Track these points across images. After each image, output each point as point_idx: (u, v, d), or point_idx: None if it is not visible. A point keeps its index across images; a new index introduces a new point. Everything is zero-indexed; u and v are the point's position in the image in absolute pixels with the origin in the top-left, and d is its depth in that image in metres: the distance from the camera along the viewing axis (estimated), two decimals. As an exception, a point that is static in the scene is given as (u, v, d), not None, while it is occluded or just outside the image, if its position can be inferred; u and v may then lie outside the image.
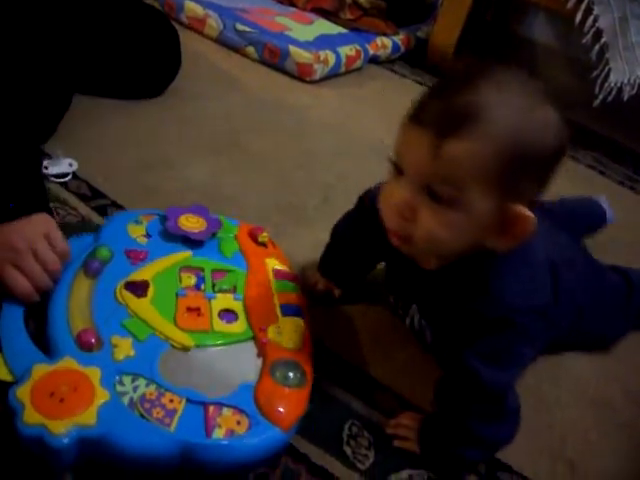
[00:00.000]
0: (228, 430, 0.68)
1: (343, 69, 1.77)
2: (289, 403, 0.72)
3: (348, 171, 1.32)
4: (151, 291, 0.81)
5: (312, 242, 1.04)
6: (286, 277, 0.91)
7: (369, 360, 0.90)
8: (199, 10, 1.79)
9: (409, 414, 0.81)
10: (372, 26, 2.00)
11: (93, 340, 0.72)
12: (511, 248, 0.68)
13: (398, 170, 0.67)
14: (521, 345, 0.72)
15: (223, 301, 0.83)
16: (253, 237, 0.96)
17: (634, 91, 1.70)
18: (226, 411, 0.69)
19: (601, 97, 1.70)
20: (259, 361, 0.77)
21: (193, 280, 0.86)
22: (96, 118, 1.25)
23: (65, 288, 0.79)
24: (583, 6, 1.67)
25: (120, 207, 1.04)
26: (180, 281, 0.85)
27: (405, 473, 0.77)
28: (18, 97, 0.98)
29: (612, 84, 1.69)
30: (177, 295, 0.82)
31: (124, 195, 1.07)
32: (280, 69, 1.71)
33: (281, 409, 0.71)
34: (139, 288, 0.81)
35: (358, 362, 0.89)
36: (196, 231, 0.92)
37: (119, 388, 0.69)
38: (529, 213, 0.64)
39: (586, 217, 1.20)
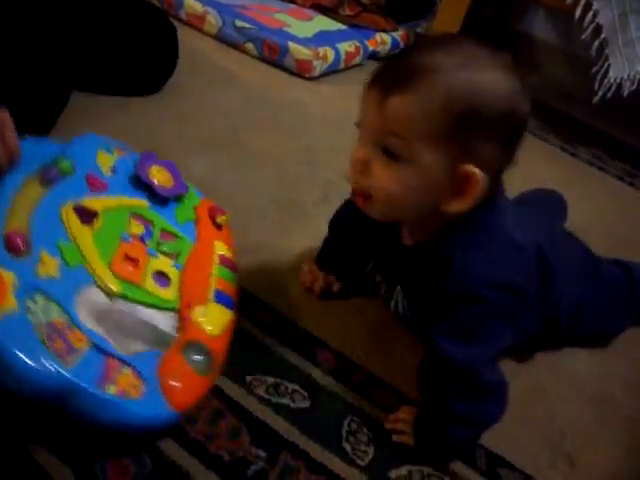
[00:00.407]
0: (121, 390, 0.64)
1: (342, 65, 1.77)
2: (190, 385, 0.70)
3: (347, 167, 1.30)
4: (97, 223, 0.78)
5: (312, 238, 1.04)
6: (229, 266, 0.88)
7: (368, 356, 0.90)
8: (198, 7, 1.79)
9: (407, 408, 0.81)
10: (371, 22, 2.00)
11: (21, 245, 0.68)
12: (463, 210, 0.69)
13: (360, 131, 0.71)
14: (490, 320, 0.72)
15: (162, 263, 0.81)
16: (212, 215, 0.93)
17: (634, 87, 1.70)
18: (126, 370, 0.66)
19: (600, 93, 1.70)
20: (175, 334, 0.74)
21: (141, 230, 0.82)
22: (94, 115, 1.25)
23: (12, 187, 0.75)
24: (582, 2, 1.66)
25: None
26: (128, 226, 0.82)
27: (404, 469, 0.77)
28: (15, 93, 0.98)
29: (612, 80, 1.69)
30: (121, 238, 0.79)
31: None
32: (279, 66, 1.71)
33: (180, 388, 0.68)
34: (87, 215, 0.78)
35: (357, 358, 0.89)
36: (162, 186, 0.88)
37: (30, 304, 0.64)
38: (479, 172, 0.65)
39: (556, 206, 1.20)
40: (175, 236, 0.86)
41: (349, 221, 0.92)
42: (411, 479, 0.76)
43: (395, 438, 0.79)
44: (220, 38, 1.78)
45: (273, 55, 1.70)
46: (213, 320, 0.78)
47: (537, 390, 0.93)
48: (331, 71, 1.74)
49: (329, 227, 0.97)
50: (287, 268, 1.01)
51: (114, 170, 0.87)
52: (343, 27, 1.92)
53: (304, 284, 0.97)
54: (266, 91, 1.59)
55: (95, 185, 0.82)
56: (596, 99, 1.70)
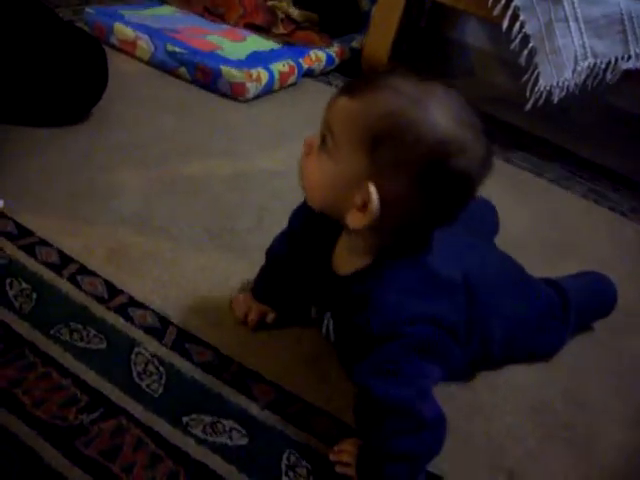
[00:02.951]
0: None
1: (277, 85, 1.77)
2: None
3: (282, 191, 1.31)
4: None
5: (246, 267, 1.04)
6: None
7: (305, 386, 0.89)
8: (129, 32, 1.77)
9: (351, 440, 0.81)
10: (305, 40, 2.00)
11: None
12: (356, 228, 0.70)
13: None
14: (414, 355, 0.71)
15: None
16: None
17: (563, 93, 1.74)
18: None
19: (532, 101, 1.74)
20: None
21: None
22: (20, 149, 1.23)
23: None
24: (509, 12, 1.70)
25: (48, 245, 1.02)
26: None
27: (345, 500, 0.77)
28: None
29: (542, 88, 1.72)
30: None
31: (53, 231, 1.04)
32: (213, 89, 1.70)
33: None
34: None
35: (294, 389, 0.88)
36: None
37: None
38: (374, 196, 0.66)
39: (488, 217, 1.20)
40: None
41: (284, 252, 0.92)
42: (352, 510, 0.76)
43: (338, 469, 0.79)
44: (153, 63, 1.76)
45: (206, 79, 1.69)
46: None
47: (475, 406, 0.94)
48: (266, 92, 1.73)
49: (266, 256, 0.97)
50: (221, 300, 1.00)
51: None
52: (277, 46, 1.92)
53: (238, 315, 0.96)
54: (199, 116, 1.58)
55: None
56: (528, 106, 1.73)
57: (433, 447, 0.76)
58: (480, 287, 0.84)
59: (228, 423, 0.81)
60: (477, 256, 0.93)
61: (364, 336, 0.72)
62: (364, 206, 0.67)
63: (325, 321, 0.86)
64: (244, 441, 0.80)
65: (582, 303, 1.04)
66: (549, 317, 1.01)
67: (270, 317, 0.96)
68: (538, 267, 1.07)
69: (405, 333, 0.70)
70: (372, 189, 0.66)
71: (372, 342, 0.71)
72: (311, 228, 0.82)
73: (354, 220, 0.69)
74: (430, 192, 0.66)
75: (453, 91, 0.67)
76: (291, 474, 0.78)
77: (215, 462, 0.76)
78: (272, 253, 0.96)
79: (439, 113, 0.64)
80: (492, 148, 0.69)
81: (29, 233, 1.03)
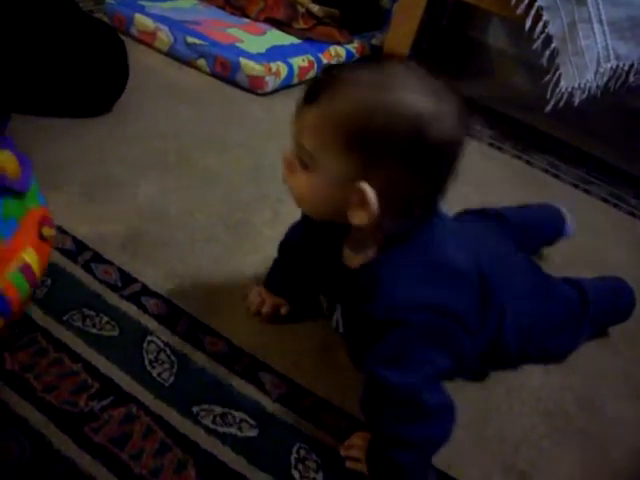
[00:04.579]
0: None
1: (296, 80, 1.77)
2: None
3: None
4: None
5: (262, 260, 1.03)
6: (28, 278, 0.79)
7: (317, 379, 0.89)
8: (149, 23, 1.77)
9: (361, 434, 0.80)
10: (326, 35, 1.99)
11: None
12: (364, 223, 0.68)
13: None
14: (420, 343, 0.71)
15: None
16: (40, 224, 0.83)
17: (584, 96, 1.72)
18: None
19: (552, 102, 1.72)
20: None
21: None
22: (40, 139, 1.23)
23: None
24: (533, 12, 1.68)
25: (65, 233, 1.02)
26: None
27: (354, 495, 0.76)
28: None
29: (563, 89, 1.70)
30: None
31: (68, 219, 1.04)
32: (232, 82, 1.70)
33: None
34: None
35: (305, 382, 0.88)
36: (3, 174, 0.78)
37: None
38: (369, 192, 0.65)
39: (544, 227, 1.20)
40: None
41: (297, 243, 0.92)
42: (361, 505, 0.75)
43: (349, 465, 0.79)
44: (172, 55, 1.76)
45: (225, 71, 1.69)
46: None
47: (489, 409, 0.93)
48: (285, 86, 1.73)
49: (278, 250, 0.96)
50: (235, 291, 1.00)
51: None
52: (297, 41, 1.91)
53: (252, 307, 0.96)
54: (218, 108, 1.58)
55: None
56: (548, 108, 1.72)
57: (440, 434, 0.75)
58: (496, 279, 0.83)
59: (238, 414, 0.81)
60: (495, 249, 0.92)
61: (370, 324, 0.71)
62: (363, 203, 0.66)
63: (335, 313, 0.85)
64: (254, 433, 0.79)
65: (600, 305, 1.03)
66: (566, 316, 0.99)
67: (284, 310, 0.96)
68: (556, 269, 1.07)
69: (411, 321, 0.69)
70: (365, 186, 0.65)
71: (378, 330, 0.71)
72: (321, 223, 0.81)
73: (357, 218, 0.68)
74: (419, 167, 0.65)
75: (411, 63, 0.67)
76: (301, 467, 0.77)
77: (224, 453, 0.76)
78: (285, 244, 0.95)
79: (403, 90, 0.63)
80: (462, 103, 0.67)
81: (45, 219, 1.03)
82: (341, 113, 0.64)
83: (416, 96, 0.63)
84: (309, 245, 0.86)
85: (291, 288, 0.97)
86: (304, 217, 0.89)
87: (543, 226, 1.21)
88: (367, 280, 0.73)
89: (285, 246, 0.96)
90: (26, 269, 0.79)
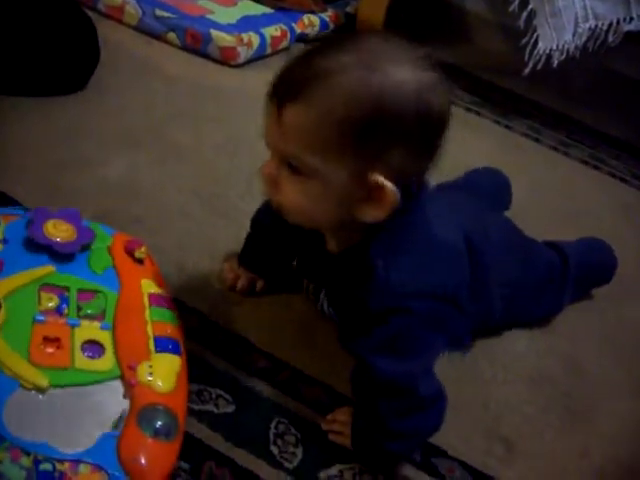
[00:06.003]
0: None
1: (269, 50, 1.72)
2: (156, 458, 0.62)
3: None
4: (1, 315, 0.67)
5: (236, 233, 1.00)
6: (163, 303, 0.79)
7: (295, 352, 0.87)
8: (116, -3, 1.72)
9: (344, 409, 0.79)
10: (298, 4, 1.94)
11: None
12: (379, 219, 0.65)
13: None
14: (420, 331, 0.69)
15: (88, 330, 0.70)
16: (129, 251, 0.82)
17: (563, 57, 1.70)
18: (83, 469, 0.58)
19: (531, 65, 1.70)
20: (126, 405, 0.65)
21: (55, 302, 0.71)
22: (9, 119, 1.19)
23: None
24: (509, -27, 1.66)
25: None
26: (39, 303, 0.70)
27: (335, 469, 0.74)
28: None
29: (541, 51, 1.68)
30: (34, 321, 0.68)
31: (34, 199, 1.00)
32: (203, 54, 1.65)
33: (147, 465, 0.60)
34: None
35: (283, 355, 0.86)
36: (63, 241, 0.77)
37: None
38: (388, 183, 0.62)
39: (503, 188, 1.18)
40: (95, 292, 0.75)
41: (270, 221, 0.88)
42: (342, 478, 0.74)
43: (332, 437, 0.77)
44: (141, 29, 1.70)
45: (196, 44, 1.64)
46: (162, 374, 0.69)
47: (472, 373, 0.92)
48: (257, 57, 1.69)
49: (251, 225, 0.93)
50: (210, 266, 0.97)
51: (5, 240, 0.76)
52: (269, 11, 1.86)
53: (226, 283, 0.93)
54: (190, 82, 1.54)
55: (-14, 269, 0.72)
56: (526, 71, 1.70)
57: (433, 425, 0.74)
58: (483, 251, 0.82)
59: (214, 391, 0.79)
60: (480, 220, 0.90)
61: (366, 311, 0.69)
62: (379, 198, 0.63)
63: (321, 298, 0.83)
64: (231, 409, 0.77)
65: (582, 267, 1.02)
66: (548, 280, 0.98)
67: (259, 285, 0.93)
68: (537, 233, 1.05)
69: (412, 308, 0.67)
70: (380, 179, 0.61)
71: (374, 318, 0.68)
72: None
73: (370, 215, 0.65)
74: (426, 143, 0.63)
75: (388, 35, 0.64)
76: (280, 442, 0.75)
77: (201, 430, 0.74)
78: (257, 223, 0.92)
79: (396, 66, 0.60)
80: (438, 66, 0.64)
81: (13, 202, 1.00)
82: (335, 106, 0.59)
83: (410, 71, 0.60)
84: (285, 226, 0.83)
85: (265, 265, 0.94)
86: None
87: (502, 187, 1.18)
88: (355, 264, 0.70)
89: (257, 223, 0.92)
90: (155, 299, 0.78)
